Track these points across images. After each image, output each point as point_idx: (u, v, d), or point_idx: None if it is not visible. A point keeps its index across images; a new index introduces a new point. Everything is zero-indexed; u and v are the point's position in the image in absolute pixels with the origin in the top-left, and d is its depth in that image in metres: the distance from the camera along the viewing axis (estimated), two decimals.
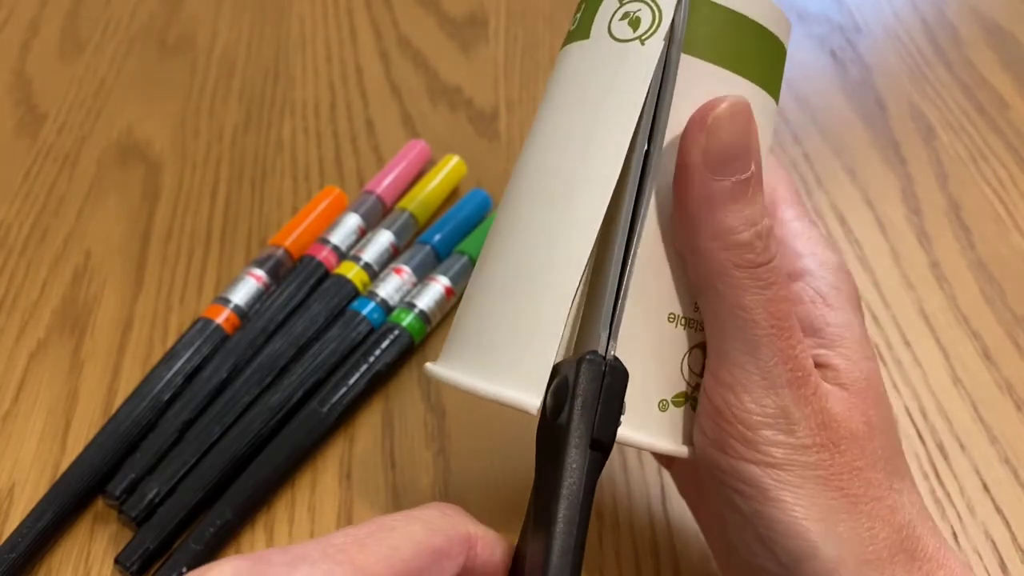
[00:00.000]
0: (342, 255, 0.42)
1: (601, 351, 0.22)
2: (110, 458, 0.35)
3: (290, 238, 0.42)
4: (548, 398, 0.23)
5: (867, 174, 0.47)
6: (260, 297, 0.41)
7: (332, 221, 0.43)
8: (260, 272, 0.41)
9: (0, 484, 0.36)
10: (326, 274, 0.41)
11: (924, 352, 0.39)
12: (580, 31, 0.26)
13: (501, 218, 0.27)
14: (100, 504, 0.35)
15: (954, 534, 0.34)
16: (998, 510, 0.34)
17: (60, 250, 0.45)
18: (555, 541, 0.20)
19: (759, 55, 0.25)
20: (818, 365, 0.24)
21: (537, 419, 0.24)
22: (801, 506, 0.22)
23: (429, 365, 0.27)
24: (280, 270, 0.42)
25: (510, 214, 0.26)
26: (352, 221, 0.43)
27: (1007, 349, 0.39)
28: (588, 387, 0.22)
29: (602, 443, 0.22)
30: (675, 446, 0.25)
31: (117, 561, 0.33)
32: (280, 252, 0.42)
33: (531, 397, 0.23)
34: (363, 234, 0.43)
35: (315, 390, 0.37)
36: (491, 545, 0.23)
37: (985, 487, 0.35)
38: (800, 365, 0.23)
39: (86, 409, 0.38)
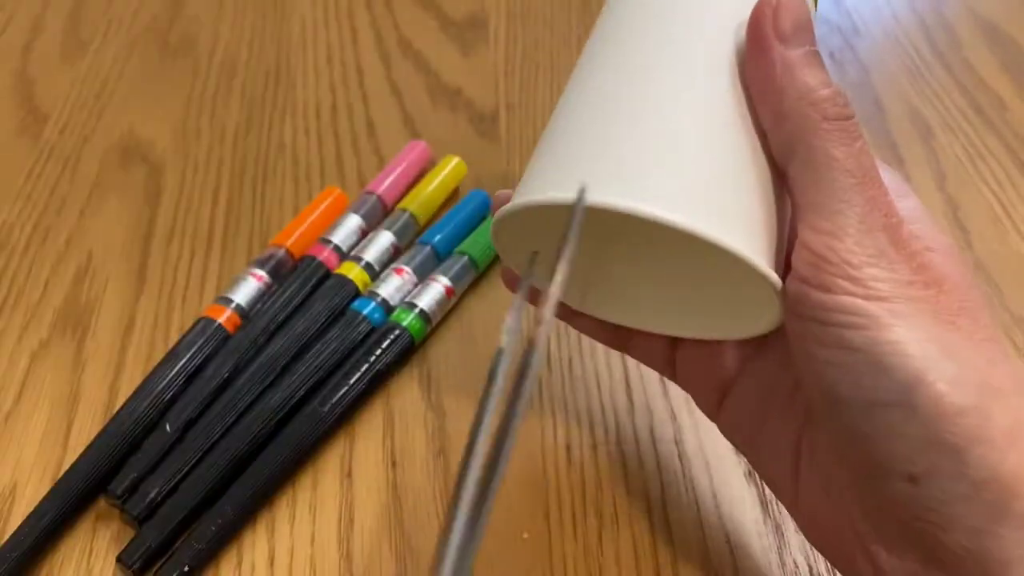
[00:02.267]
0: (343, 255, 0.42)
1: None
2: (112, 457, 0.35)
3: (291, 238, 0.43)
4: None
5: None
6: (261, 297, 0.41)
7: (333, 221, 0.43)
8: (261, 272, 0.41)
9: (2, 483, 0.36)
10: (327, 274, 0.41)
11: None
12: None
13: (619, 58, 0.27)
14: (102, 503, 0.35)
15: None
16: None
17: (62, 250, 0.45)
18: None
19: None
20: None
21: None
22: (916, 328, 0.23)
23: (551, 194, 0.25)
24: (281, 270, 0.42)
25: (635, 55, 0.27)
26: (353, 221, 0.43)
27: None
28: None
29: None
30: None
31: (119, 560, 0.33)
32: (281, 252, 0.42)
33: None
34: (364, 234, 0.43)
35: (316, 390, 0.37)
36: None
37: None
38: (893, 211, 0.24)
39: (88, 409, 0.38)
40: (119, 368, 0.40)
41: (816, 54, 0.25)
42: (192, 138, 0.51)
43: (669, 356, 0.32)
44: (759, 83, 0.25)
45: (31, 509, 0.34)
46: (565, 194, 0.24)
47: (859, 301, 0.23)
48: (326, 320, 0.39)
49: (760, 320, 0.27)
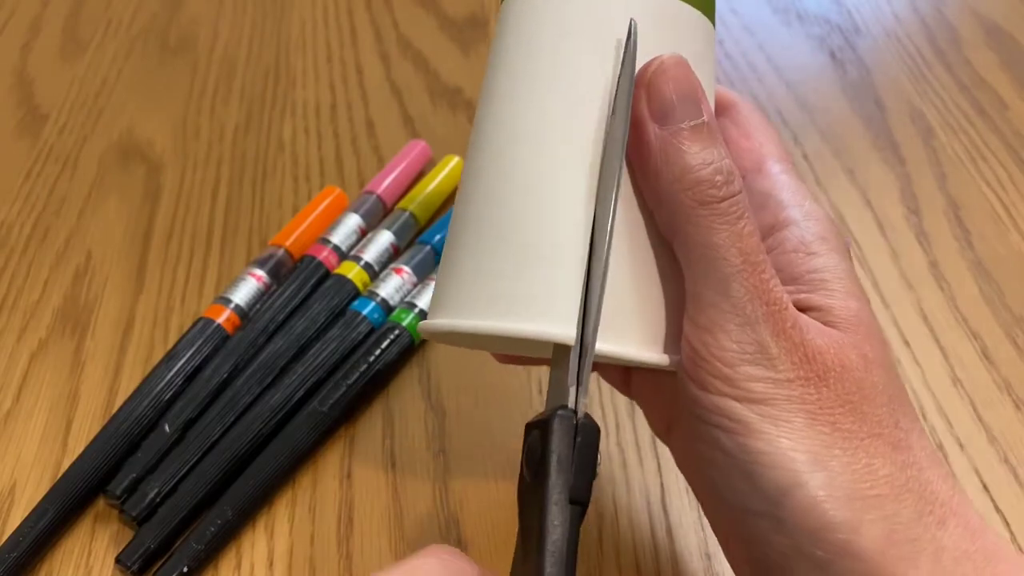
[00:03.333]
0: (343, 255, 0.42)
1: (571, 405, 0.22)
2: (111, 457, 0.35)
3: (291, 238, 0.42)
4: (523, 456, 0.23)
5: (866, 174, 0.47)
6: (261, 297, 0.41)
7: (333, 221, 0.43)
8: (261, 272, 0.41)
9: (1, 483, 0.36)
10: (327, 274, 0.41)
11: (923, 352, 0.39)
12: None
13: (485, 160, 0.26)
14: (101, 503, 0.35)
15: None
16: (998, 510, 0.34)
17: (61, 250, 0.45)
18: None
19: None
20: (801, 308, 0.24)
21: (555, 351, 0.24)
22: (786, 438, 0.22)
23: (426, 324, 0.26)
24: (281, 270, 0.42)
25: (497, 157, 0.26)
26: (352, 221, 0.43)
27: (1006, 349, 0.39)
28: (561, 445, 0.22)
29: (581, 500, 0.22)
30: (658, 357, 0.25)
31: (118, 560, 0.33)
32: (281, 252, 0.42)
33: (565, 328, 0.23)
34: (363, 234, 0.43)
35: (316, 390, 0.37)
36: None
37: (984, 487, 0.35)
38: (775, 299, 0.23)
39: (87, 408, 0.38)
40: (118, 368, 0.40)
41: (702, 127, 0.23)
42: (191, 137, 0.51)
43: (624, 376, 0.31)
44: (637, 165, 0.24)
45: (30, 509, 0.34)
46: (458, 321, 0.25)
47: (732, 403, 0.22)
48: (326, 320, 0.39)
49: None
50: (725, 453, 0.22)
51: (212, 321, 0.39)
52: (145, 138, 0.51)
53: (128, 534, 0.34)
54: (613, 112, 0.23)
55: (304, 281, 0.41)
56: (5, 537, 0.33)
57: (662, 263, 0.25)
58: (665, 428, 0.30)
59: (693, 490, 0.28)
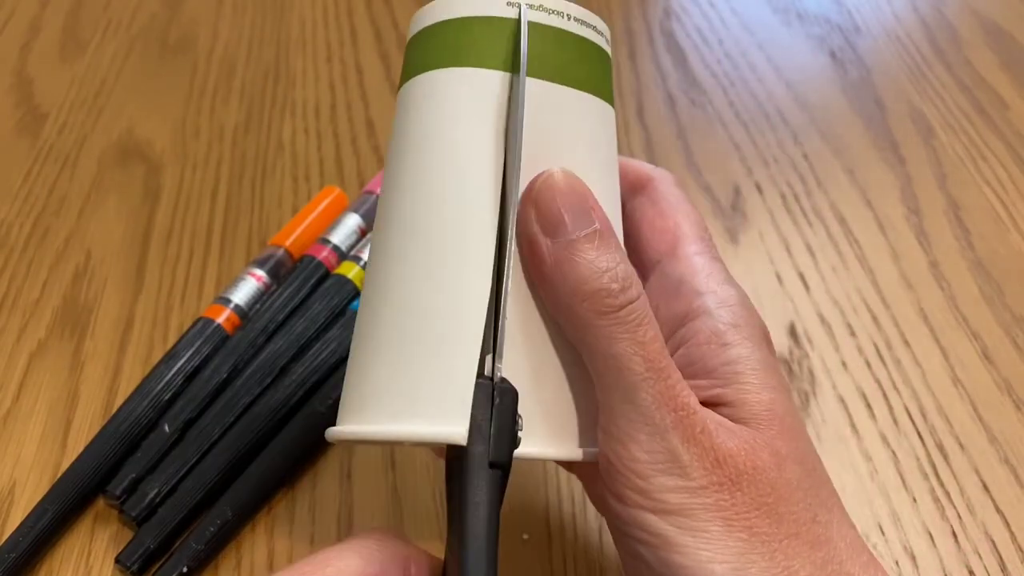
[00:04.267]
0: (342, 255, 0.42)
1: (488, 372, 0.22)
2: (110, 458, 0.35)
3: (290, 238, 0.42)
4: None
5: (866, 174, 0.47)
6: (260, 297, 0.41)
7: (332, 221, 0.43)
8: (260, 272, 0.41)
9: (1, 483, 0.36)
10: (326, 274, 0.41)
11: (923, 352, 0.39)
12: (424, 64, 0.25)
13: (382, 257, 0.25)
14: (101, 504, 0.35)
15: (954, 534, 0.34)
16: (998, 510, 0.34)
17: (61, 250, 0.45)
18: (468, 561, 0.21)
19: (590, 67, 0.26)
20: (714, 404, 0.24)
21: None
22: (706, 550, 0.22)
23: (333, 430, 0.25)
24: (280, 270, 0.42)
25: (394, 254, 0.25)
26: (352, 221, 0.43)
27: (1006, 349, 0.39)
28: (479, 410, 0.22)
29: (500, 463, 0.22)
30: (567, 451, 0.24)
31: (118, 560, 0.33)
32: (280, 252, 0.42)
33: (458, 428, 0.22)
34: (363, 234, 0.43)
35: (315, 390, 0.37)
36: (424, 566, 0.23)
37: (985, 487, 0.35)
38: (682, 404, 0.22)
39: (86, 409, 0.38)
40: (118, 368, 0.40)
41: (594, 235, 0.23)
42: (191, 137, 0.51)
43: None
44: (536, 278, 0.24)
45: (30, 509, 0.34)
46: (359, 428, 0.24)
47: (649, 516, 0.22)
48: (325, 320, 0.39)
49: None
50: (647, 566, 0.23)
51: (212, 321, 0.39)
52: (145, 138, 0.51)
53: (128, 534, 0.34)
54: (503, 197, 0.23)
55: (304, 281, 0.41)
56: (5, 537, 0.33)
57: (573, 355, 0.24)
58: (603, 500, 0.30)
59: None
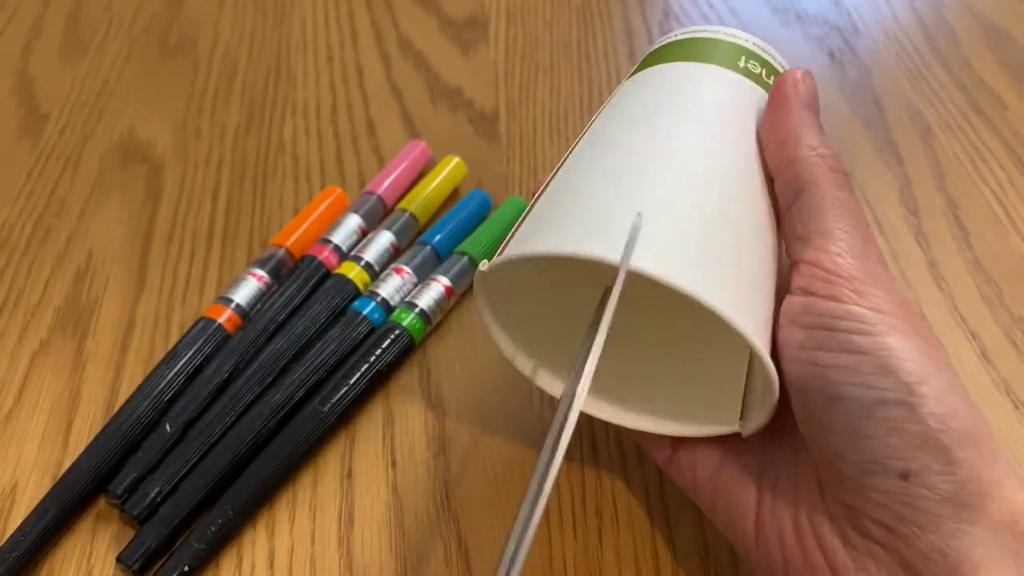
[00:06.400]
0: (343, 255, 0.42)
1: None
2: (112, 457, 0.35)
3: (291, 238, 0.43)
4: None
5: (865, 174, 0.47)
6: (261, 297, 0.41)
7: (333, 221, 0.43)
8: (261, 272, 0.41)
9: (2, 483, 0.36)
10: (327, 274, 0.41)
11: None
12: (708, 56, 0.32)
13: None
14: (102, 503, 0.35)
15: None
16: None
17: (62, 250, 0.45)
18: None
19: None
20: None
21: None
22: (911, 343, 0.25)
23: (497, 259, 0.29)
24: (281, 270, 0.42)
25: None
26: (353, 221, 0.43)
27: (1005, 349, 0.39)
28: None
29: None
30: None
31: (119, 560, 0.33)
32: (281, 252, 0.42)
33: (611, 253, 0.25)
34: (364, 234, 0.43)
35: (316, 389, 0.37)
36: None
37: None
38: (880, 252, 0.27)
39: (88, 408, 0.38)
40: (119, 368, 0.40)
41: (820, 125, 0.29)
42: (192, 138, 0.51)
43: (673, 448, 0.32)
44: (778, 132, 0.29)
45: (31, 509, 0.34)
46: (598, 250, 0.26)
47: (865, 310, 0.25)
48: (326, 320, 0.39)
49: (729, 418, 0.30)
50: (860, 353, 0.25)
51: (213, 321, 0.39)
52: (146, 138, 0.51)
53: (129, 533, 0.34)
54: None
55: (305, 281, 0.41)
56: (6, 537, 0.33)
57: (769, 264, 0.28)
58: (671, 447, 0.32)
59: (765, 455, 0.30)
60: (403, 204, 0.44)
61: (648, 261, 0.25)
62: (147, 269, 0.44)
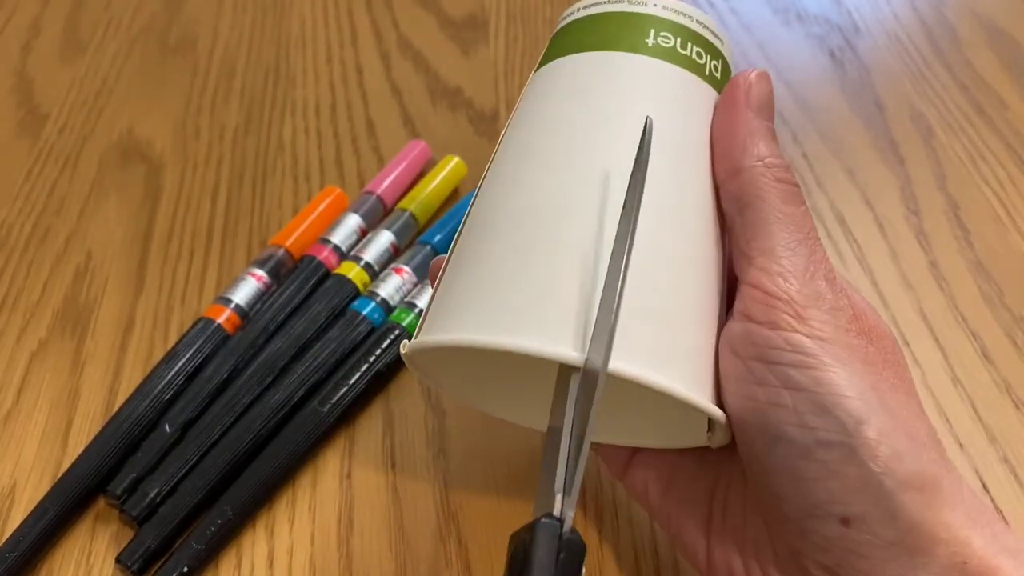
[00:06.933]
0: (343, 255, 0.42)
1: (557, 513, 0.22)
2: (111, 457, 0.35)
3: (291, 238, 0.42)
4: (506, 565, 0.23)
5: (866, 174, 0.47)
6: (261, 297, 0.41)
7: (333, 221, 0.43)
8: (261, 272, 0.41)
9: (1, 484, 0.36)
10: (327, 274, 0.41)
11: (923, 352, 0.39)
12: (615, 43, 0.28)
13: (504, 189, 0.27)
14: (101, 503, 0.35)
15: None
16: (998, 510, 0.34)
17: (61, 250, 0.45)
18: None
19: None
20: None
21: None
22: (853, 374, 0.24)
23: (419, 340, 0.26)
24: (281, 270, 0.42)
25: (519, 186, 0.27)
26: (353, 221, 0.43)
27: (1006, 349, 0.39)
28: (543, 562, 0.21)
29: None
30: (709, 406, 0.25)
31: (118, 560, 0.33)
32: (281, 252, 0.42)
33: (568, 349, 0.23)
34: (364, 234, 0.43)
35: (316, 390, 0.37)
36: None
37: (985, 487, 0.35)
38: (831, 267, 0.26)
39: (87, 409, 0.38)
40: (118, 368, 0.40)
41: (774, 131, 0.27)
42: (191, 137, 0.51)
43: (626, 460, 0.32)
44: (724, 140, 0.27)
45: (30, 509, 0.34)
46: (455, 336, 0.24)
47: (804, 339, 0.24)
48: (326, 320, 0.39)
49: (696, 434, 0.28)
50: (797, 389, 0.24)
51: (212, 321, 0.39)
52: (145, 138, 0.51)
53: (128, 534, 0.34)
54: (633, 172, 0.25)
55: (304, 281, 0.41)
56: (5, 537, 0.33)
57: (709, 306, 0.26)
58: (624, 462, 0.31)
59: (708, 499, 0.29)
60: (403, 204, 0.44)
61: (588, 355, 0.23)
62: (146, 269, 0.44)
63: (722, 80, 0.29)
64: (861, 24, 0.56)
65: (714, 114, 0.28)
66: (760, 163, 0.26)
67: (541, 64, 0.30)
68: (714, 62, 0.29)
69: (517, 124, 0.29)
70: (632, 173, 0.24)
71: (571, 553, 0.22)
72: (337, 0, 0.60)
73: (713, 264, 0.27)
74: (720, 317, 0.27)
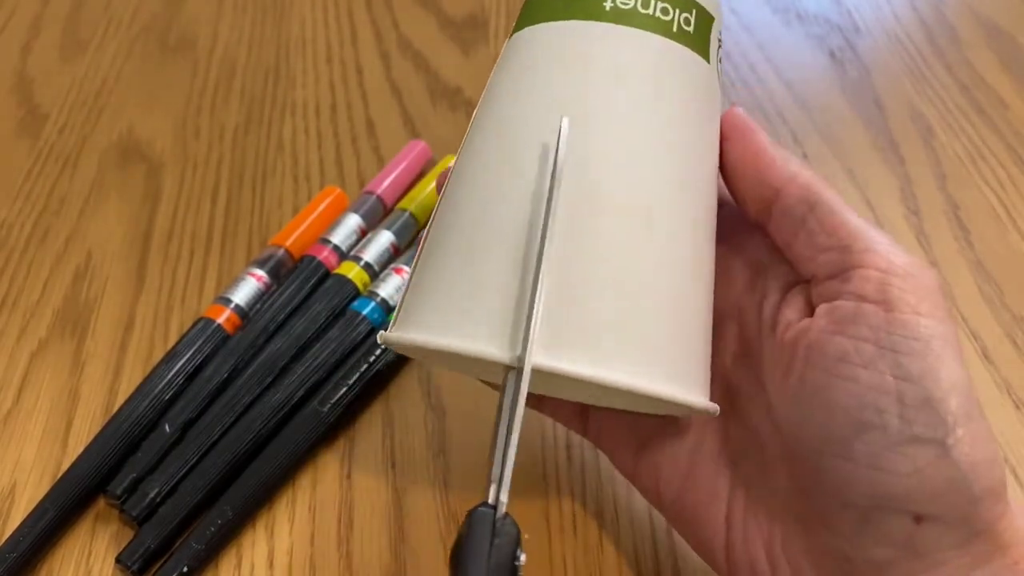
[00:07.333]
0: (343, 255, 0.42)
1: (492, 501, 0.23)
2: (111, 457, 0.35)
3: (291, 238, 0.42)
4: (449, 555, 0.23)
5: (866, 174, 0.47)
6: (261, 297, 0.41)
7: (333, 221, 0.43)
8: (261, 272, 0.41)
9: (1, 484, 0.36)
10: (327, 274, 0.41)
11: None
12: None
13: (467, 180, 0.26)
14: (101, 503, 0.35)
15: None
16: None
17: (61, 250, 0.45)
18: None
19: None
20: None
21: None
22: (956, 370, 0.23)
23: (385, 334, 0.27)
24: (281, 270, 0.42)
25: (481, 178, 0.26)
26: (353, 221, 0.43)
27: (1006, 349, 0.39)
28: (476, 547, 0.22)
29: None
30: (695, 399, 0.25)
31: (118, 560, 0.33)
32: (281, 252, 0.42)
33: (495, 350, 0.23)
34: (363, 234, 0.43)
35: (316, 390, 0.37)
36: None
37: None
38: None
39: (87, 409, 0.38)
40: (118, 368, 0.40)
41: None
42: (191, 137, 0.51)
43: (580, 409, 0.31)
44: (754, 161, 0.27)
45: (30, 509, 0.34)
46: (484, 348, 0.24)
47: (921, 323, 0.23)
48: (326, 320, 0.39)
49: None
50: (905, 379, 0.23)
51: (212, 321, 0.39)
52: (145, 138, 0.51)
53: (128, 534, 0.34)
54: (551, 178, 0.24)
55: (304, 281, 0.41)
56: (5, 537, 0.33)
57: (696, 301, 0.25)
58: (634, 456, 0.30)
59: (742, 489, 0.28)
60: (403, 204, 0.44)
61: (556, 359, 0.23)
62: (146, 269, 0.44)
63: (696, 32, 0.27)
64: (861, 24, 0.56)
65: (726, 145, 0.27)
66: (801, 164, 0.26)
67: (510, 35, 0.29)
68: (684, 14, 0.26)
69: (478, 111, 0.28)
70: (551, 172, 0.24)
71: (504, 537, 0.22)
72: (337, 0, 0.60)
73: (674, 237, 0.25)
74: (709, 324, 0.26)
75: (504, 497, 0.23)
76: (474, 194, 0.26)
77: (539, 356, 0.23)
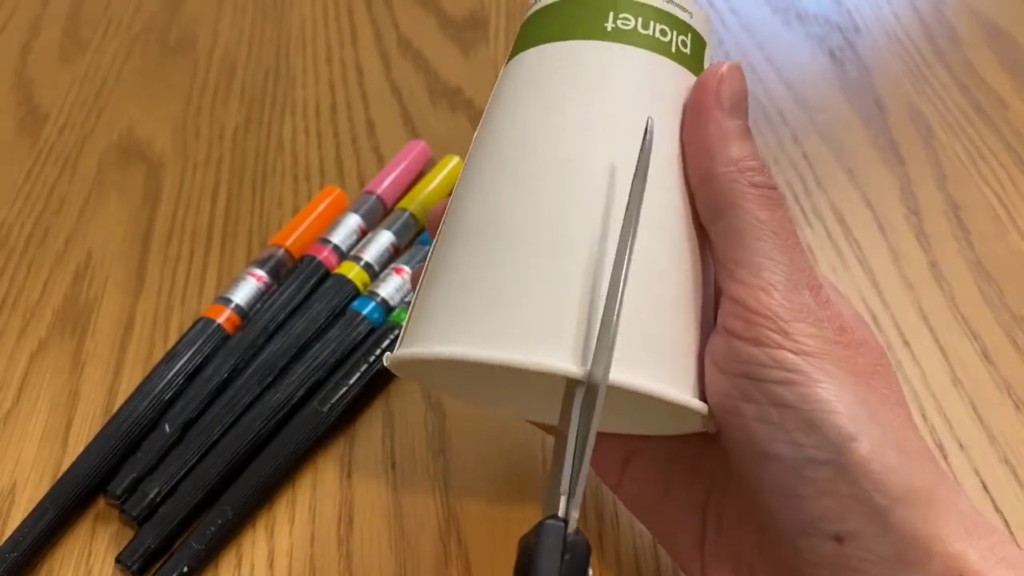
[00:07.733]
0: (343, 255, 0.42)
1: (561, 514, 0.22)
2: (111, 457, 0.35)
3: (291, 238, 0.42)
4: (515, 567, 0.23)
5: (866, 174, 0.47)
6: (261, 297, 0.41)
7: (333, 221, 0.43)
8: (261, 272, 0.41)
9: (1, 484, 0.36)
10: (327, 274, 0.41)
11: (923, 352, 0.39)
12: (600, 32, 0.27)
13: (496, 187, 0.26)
14: (101, 503, 0.35)
15: None
16: (998, 510, 0.34)
17: (61, 250, 0.45)
18: None
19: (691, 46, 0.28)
20: None
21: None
22: (842, 388, 0.23)
23: (403, 352, 0.25)
24: (281, 270, 0.42)
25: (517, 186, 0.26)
26: (353, 221, 0.43)
27: (1006, 349, 0.39)
28: (548, 562, 0.21)
29: None
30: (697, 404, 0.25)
31: (118, 560, 0.33)
32: (281, 252, 0.42)
33: (571, 365, 0.23)
34: (364, 234, 0.43)
35: (316, 390, 0.37)
36: None
37: (984, 487, 0.35)
38: (814, 274, 0.25)
39: (87, 409, 0.38)
40: (118, 368, 0.40)
41: (748, 129, 0.26)
42: (191, 137, 0.51)
43: (625, 457, 0.31)
44: (695, 146, 0.26)
45: (30, 509, 0.34)
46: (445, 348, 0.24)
47: (790, 355, 0.23)
48: (326, 320, 0.39)
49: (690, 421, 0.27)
50: (784, 407, 0.23)
51: (212, 321, 0.39)
52: (145, 138, 0.51)
53: (128, 534, 0.34)
54: (636, 167, 0.24)
55: (304, 281, 0.41)
56: (5, 537, 0.33)
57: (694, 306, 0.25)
58: (618, 471, 0.30)
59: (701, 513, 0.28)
60: (403, 204, 0.44)
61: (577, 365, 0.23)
62: (146, 269, 0.44)
63: (692, 54, 0.27)
64: (861, 24, 0.56)
65: (683, 117, 0.26)
66: (733, 167, 0.25)
67: (509, 58, 0.29)
68: (681, 37, 0.27)
69: (483, 128, 0.28)
70: (632, 182, 0.24)
71: (576, 553, 0.22)
72: (337, 0, 0.60)
73: (693, 265, 0.26)
74: (706, 316, 0.26)
75: (575, 512, 0.22)
76: (512, 209, 0.25)
77: (616, 372, 0.22)
